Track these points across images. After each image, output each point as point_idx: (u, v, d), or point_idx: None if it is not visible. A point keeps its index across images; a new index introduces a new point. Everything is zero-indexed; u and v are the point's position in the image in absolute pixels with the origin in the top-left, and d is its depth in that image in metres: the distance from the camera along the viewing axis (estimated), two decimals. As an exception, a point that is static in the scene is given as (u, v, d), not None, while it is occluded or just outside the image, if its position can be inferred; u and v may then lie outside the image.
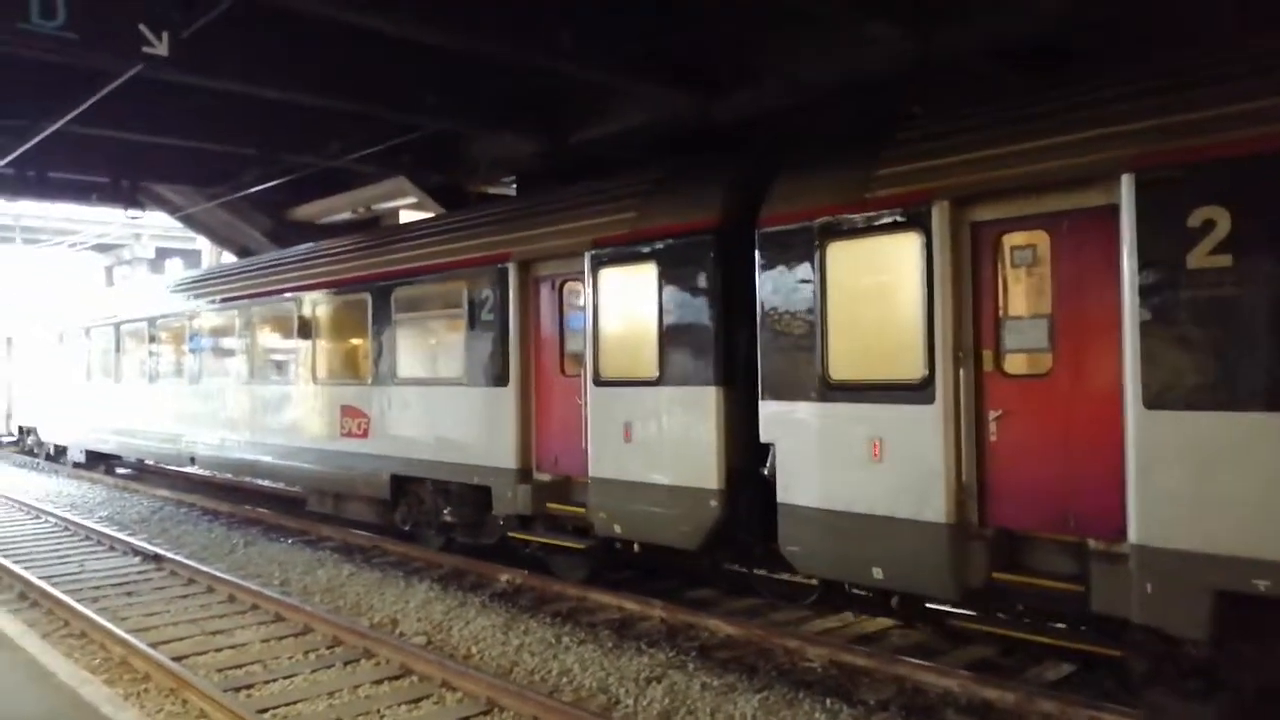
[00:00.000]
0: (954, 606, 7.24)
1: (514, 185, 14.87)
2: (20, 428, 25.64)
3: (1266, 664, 5.45)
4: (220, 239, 20.16)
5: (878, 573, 6.95)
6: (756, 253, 7.72)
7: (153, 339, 17.58)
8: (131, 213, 17.96)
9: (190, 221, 19.35)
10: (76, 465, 21.83)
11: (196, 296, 16.50)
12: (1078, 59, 7.98)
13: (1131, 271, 5.60)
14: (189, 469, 18.77)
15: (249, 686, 7.15)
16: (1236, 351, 5.22)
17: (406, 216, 16.92)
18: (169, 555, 11.55)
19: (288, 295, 13.74)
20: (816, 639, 7.73)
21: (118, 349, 18.94)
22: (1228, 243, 5.21)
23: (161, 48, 6.43)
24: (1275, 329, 5.09)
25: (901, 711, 6.35)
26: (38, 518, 15.28)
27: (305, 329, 13.30)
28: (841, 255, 7.18)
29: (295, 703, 6.80)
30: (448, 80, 11.07)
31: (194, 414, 16.14)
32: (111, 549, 12.56)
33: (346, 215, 17.64)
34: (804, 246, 7.36)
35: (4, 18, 6.18)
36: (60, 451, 22.89)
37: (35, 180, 15.38)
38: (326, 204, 17.16)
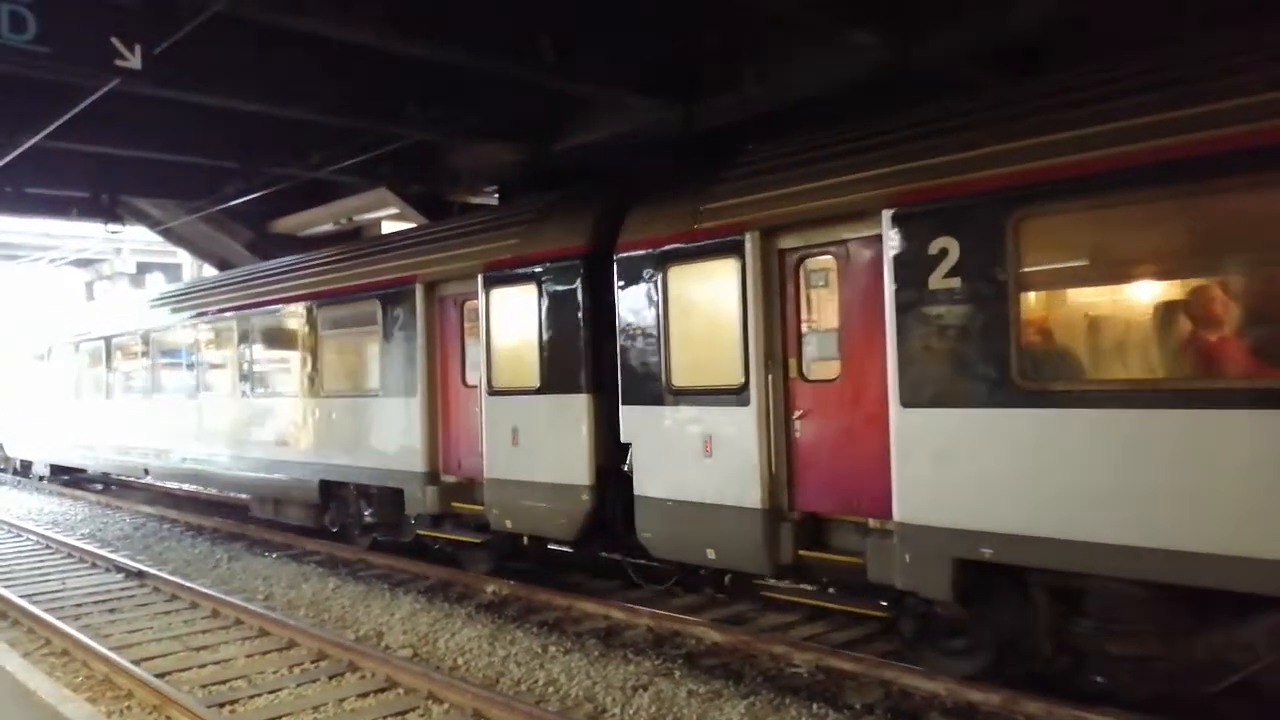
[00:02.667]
0: (771, 580, 8.17)
1: (496, 194, 14.86)
2: None
3: (1001, 622, 6.42)
4: (201, 252, 20.08)
5: (711, 554, 7.93)
6: (615, 275, 8.65)
7: (109, 357, 18.33)
8: (111, 227, 17.89)
9: (170, 235, 19.26)
10: (42, 479, 22.47)
11: (147, 317, 17.28)
12: (1054, 61, 8.08)
13: (890, 291, 6.58)
14: (177, 485, 18.97)
15: (233, 702, 7.08)
16: (963, 358, 6.19)
17: (389, 227, 16.90)
18: (151, 571, 11.45)
19: (228, 314, 14.46)
20: (803, 645, 7.73)
21: (77, 367, 19.65)
22: (956, 268, 6.19)
23: (134, 61, 6.39)
24: (989, 339, 6.02)
25: (888, 715, 6.36)
26: (18, 535, 15.12)
27: (244, 345, 14.07)
28: (678, 278, 8.18)
29: (280, 717, 6.75)
30: (429, 91, 11.07)
31: (146, 427, 16.89)
32: (94, 566, 12.45)
33: (328, 227, 17.60)
34: (650, 270, 8.35)
35: (-25, 33, 6.15)
36: (26, 466, 23.58)
37: (13, 195, 15.31)
38: (308, 216, 17.12)
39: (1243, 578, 5.04)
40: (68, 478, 21.92)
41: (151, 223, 18.56)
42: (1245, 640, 5.36)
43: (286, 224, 17.68)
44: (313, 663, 8.00)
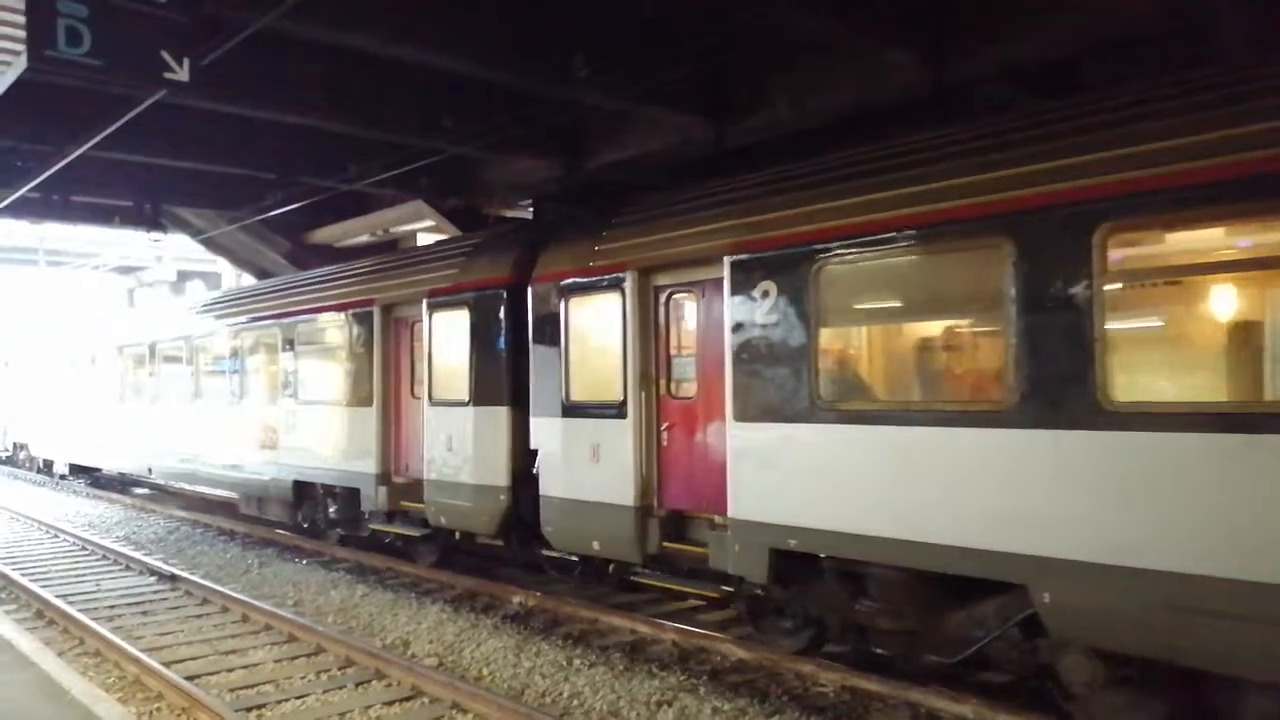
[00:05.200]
0: (643, 568, 9.57)
1: (530, 208, 14.98)
2: (14, 443, 27.65)
3: (809, 602, 7.62)
4: (240, 261, 20.38)
5: (596, 545, 9.13)
6: (529, 303, 9.84)
7: (119, 366, 19.65)
8: (153, 235, 18.22)
9: (211, 244, 19.58)
10: (63, 477, 23.67)
11: (152, 330, 18.54)
12: (1090, 81, 8.03)
13: (728, 324, 7.76)
14: (197, 488, 19.27)
15: (261, 706, 7.16)
16: (776, 382, 7.35)
17: (425, 239, 17.08)
18: (184, 575, 11.62)
19: (218, 329, 15.95)
20: (828, 664, 7.68)
21: (92, 374, 20.95)
22: (774, 307, 7.39)
23: (182, 73, 6.54)
24: (795, 366, 7.19)
25: (913, 737, 6.33)
26: (55, 537, 15.40)
27: (234, 358, 15.41)
28: (576, 308, 9.39)
29: (306, 723, 6.82)
30: (465, 106, 11.20)
31: (150, 430, 18.26)
32: (127, 568, 12.64)
33: (365, 238, 17.81)
34: (555, 300, 9.54)
35: (32, 45, 6.31)
36: (49, 464, 24.78)
37: (60, 203, 15.67)
38: (345, 227, 17.35)
39: (974, 566, 6.10)
40: (89, 478, 22.84)
41: (193, 231, 18.88)
42: (980, 617, 6.39)
43: (324, 235, 17.92)
44: (340, 669, 8.08)
